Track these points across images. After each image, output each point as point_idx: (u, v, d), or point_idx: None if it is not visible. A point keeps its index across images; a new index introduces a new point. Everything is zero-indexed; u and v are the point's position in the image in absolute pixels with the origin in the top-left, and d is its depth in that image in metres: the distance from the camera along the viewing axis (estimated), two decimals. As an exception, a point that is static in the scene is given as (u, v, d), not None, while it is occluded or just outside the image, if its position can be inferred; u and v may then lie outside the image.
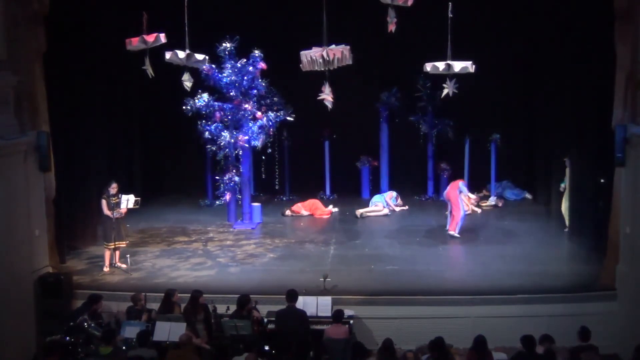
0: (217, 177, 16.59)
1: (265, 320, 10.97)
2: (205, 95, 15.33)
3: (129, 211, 13.61)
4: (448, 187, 15.37)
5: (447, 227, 15.16)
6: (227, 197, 16.25)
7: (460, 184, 15.15)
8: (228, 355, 9.52)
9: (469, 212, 16.88)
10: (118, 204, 13.16)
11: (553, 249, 14.07)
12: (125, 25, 12.20)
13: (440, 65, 11.44)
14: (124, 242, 13.55)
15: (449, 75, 11.55)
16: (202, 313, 10.78)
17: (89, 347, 9.99)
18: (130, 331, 10.32)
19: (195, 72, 11.54)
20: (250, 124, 15.70)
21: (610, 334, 11.10)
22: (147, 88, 15.79)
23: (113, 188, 13.19)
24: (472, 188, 17.81)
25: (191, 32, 10.83)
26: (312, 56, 10.49)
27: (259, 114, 15.76)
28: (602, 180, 12.77)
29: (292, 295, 10.69)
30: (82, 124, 14.53)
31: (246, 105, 15.57)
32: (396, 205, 17.58)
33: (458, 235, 14.93)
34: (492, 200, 17.81)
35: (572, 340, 9.82)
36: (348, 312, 10.98)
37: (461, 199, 15.14)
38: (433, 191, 18.57)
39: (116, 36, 12.18)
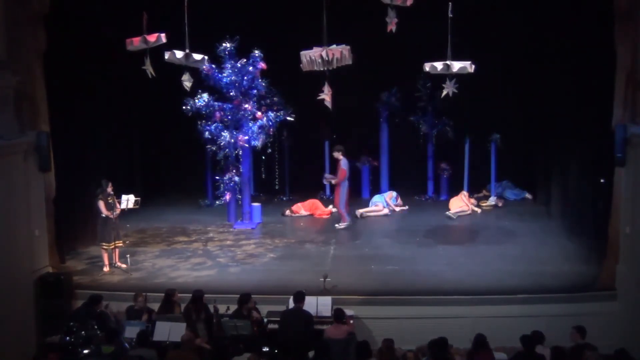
0: (217, 177, 16.58)
1: (265, 320, 10.96)
2: (205, 95, 15.34)
3: (129, 211, 13.67)
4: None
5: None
6: (227, 197, 16.25)
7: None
8: (228, 355, 9.52)
9: (469, 212, 16.92)
10: (116, 204, 13.17)
11: (553, 249, 14.06)
12: (126, 25, 12.18)
13: (439, 65, 11.42)
14: (122, 242, 13.60)
15: (448, 75, 11.54)
16: (203, 313, 10.78)
17: (89, 347, 9.99)
18: (130, 331, 10.31)
19: (195, 72, 11.52)
20: (250, 124, 15.70)
21: (610, 334, 11.09)
22: (147, 88, 15.76)
23: (110, 188, 13.20)
24: (472, 188, 17.88)
25: (191, 32, 10.82)
26: (312, 56, 10.47)
27: (259, 114, 15.77)
28: (602, 180, 12.76)
29: (298, 296, 10.64)
30: (82, 124, 14.53)
31: (246, 105, 15.57)
32: (396, 205, 17.57)
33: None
34: (492, 200, 17.79)
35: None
36: (348, 312, 10.93)
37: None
38: (433, 191, 18.58)
39: (116, 36, 12.16)
